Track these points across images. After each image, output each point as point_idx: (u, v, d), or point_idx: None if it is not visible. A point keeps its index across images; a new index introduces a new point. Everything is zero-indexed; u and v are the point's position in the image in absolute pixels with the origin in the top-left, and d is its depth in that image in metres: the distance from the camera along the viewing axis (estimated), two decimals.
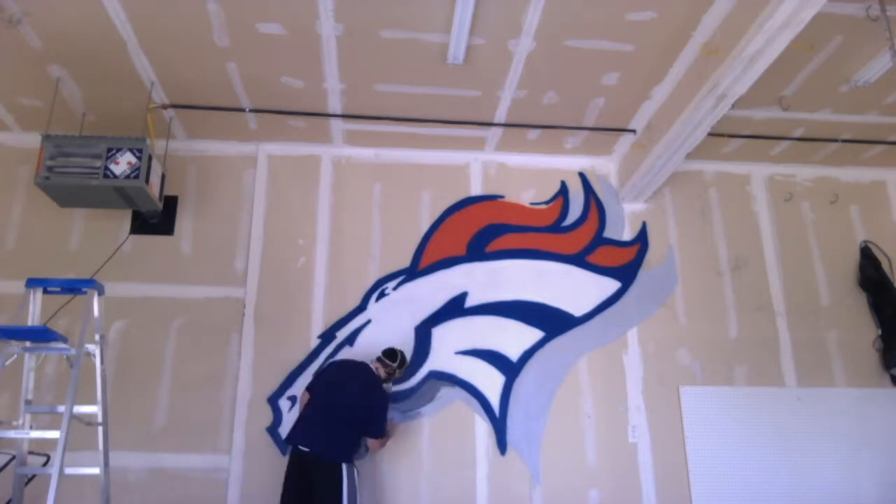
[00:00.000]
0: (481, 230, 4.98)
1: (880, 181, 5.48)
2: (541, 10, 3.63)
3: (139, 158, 4.10)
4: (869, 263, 5.13)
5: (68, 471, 3.09)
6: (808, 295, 5.07)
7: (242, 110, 4.56)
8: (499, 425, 4.54)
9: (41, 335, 3.29)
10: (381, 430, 4.06)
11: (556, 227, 5.05)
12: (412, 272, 4.83)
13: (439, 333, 4.68)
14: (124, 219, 4.77)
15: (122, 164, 4.09)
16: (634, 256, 5.03)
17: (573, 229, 5.06)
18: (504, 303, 4.81)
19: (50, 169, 4.05)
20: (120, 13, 3.65)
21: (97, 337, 3.43)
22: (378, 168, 5.08)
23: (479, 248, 4.93)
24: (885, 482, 4.62)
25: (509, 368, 4.66)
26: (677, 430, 4.63)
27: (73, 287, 3.57)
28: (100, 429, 3.38)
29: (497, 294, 4.82)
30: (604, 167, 5.26)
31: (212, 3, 3.58)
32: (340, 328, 4.65)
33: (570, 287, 4.89)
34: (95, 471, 3.33)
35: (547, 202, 5.13)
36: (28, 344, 3.38)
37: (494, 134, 4.91)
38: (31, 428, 3.38)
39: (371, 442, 4.06)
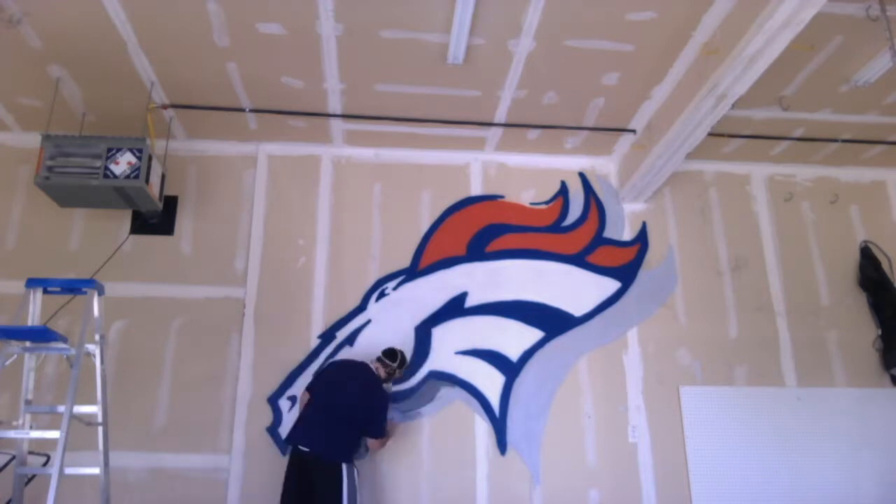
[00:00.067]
0: (481, 230, 4.98)
1: (880, 181, 5.48)
2: (541, 10, 3.63)
3: (139, 158, 4.10)
4: (869, 263, 5.13)
5: (68, 471, 3.09)
6: (808, 295, 5.08)
7: (242, 110, 4.56)
8: (499, 425, 4.54)
9: (41, 335, 3.29)
10: (381, 430, 4.06)
11: (556, 227, 5.05)
12: (412, 272, 4.84)
13: (439, 333, 4.68)
14: (124, 219, 4.77)
15: (122, 164, 4.09)
16: (634, 256, 5.03)
17: (573, 229, 5.06)
18: (504, 303, 4.81)
19: (50, 169, 4.05)
20: (120, 13, 3.65)
21: (97, 337, 3.43)
22: (378, 168, 5.08)
23: (479, 248, 4.93)
24: (885, 482, 4.62)
25: (509, 368, 4.66)
26: (677, 430, 4.63)
27: (73, 287, 3.57)
28: (100, 429, 3.38)
29: (497, 294, 4.82)
30: (604, 167, 5.26)
31: (212, 3, 3.58)
32: (340, 328, 4.65)
33: (570, 287, 4.89)
34: (95, 471, 3.33)
35: (547, 202, 5.13)
36: (28, 344, 3.38)
37: (494, 134, 4.91)
38: (31, 428, 3.38)
39: (371, 442, 4.07)
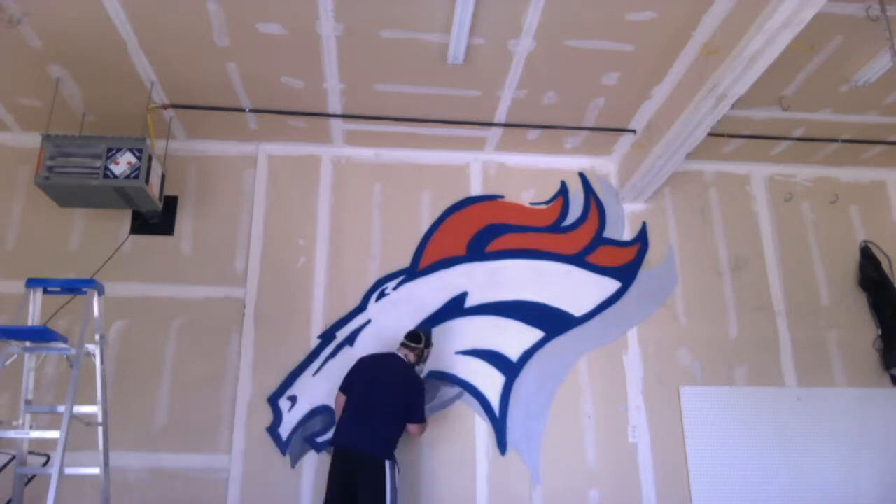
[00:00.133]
0: (481, 230, 4.98)
1: (880, 181, 5.48)
2: (541, 10, 3.63)
3: (139, 158, 4.10)
4: (869, 263, 5.13)
5: (68, 471, 3.09)
6: (808, 295, 5.08)
7: (242, 110, 4.56)
8: (499, 425, 4.54)
9: (41, 335, 3.29)
10: (422, 415, 4.03)
11: (556, 227, 5.05)
12: (412, 272, 4.84)
13: (439, 333, 4.67)
14: (124, 219, 4.77)
15: (122, 164, 4.09)
16: (634, 256, 5.03)
17: (573, 229, 5.06)
18: (504, 303, 4.81)
19: (50, 169, 4.05)
20: (120, 13, 3.65)
21: (97, 337, 3.42)
22: (378, 168, 5.08)
23: (479, 248, 4.94)
24: (885, 482, 4.62)
25: (509, 368, 4.66)
26: (677, 430, 4.63)
27: (73, 287, 3.57)
28: (100, 429, 3.38)
29: (497, 294, 4.82)
30: (604, 167, 5.26)
31: (212, 3, 3.58)
32: (340, 328, 4.65)
33: (570, 287, 4.89)
34: (95, 471, 3.33)
35: (547, 202, 5.13)
36: (28, 344, 3.38)
37: (494, 134, 4.91)
38: (31, 428, 3.38)
39: (412, 428, 4.00)
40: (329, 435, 4.31)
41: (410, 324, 4.62)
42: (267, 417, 4.42)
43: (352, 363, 4.22)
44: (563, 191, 5.17)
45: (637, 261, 5.02)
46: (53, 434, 3.06)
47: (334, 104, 4.53)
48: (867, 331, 5.02)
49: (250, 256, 4.75)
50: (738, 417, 4.67)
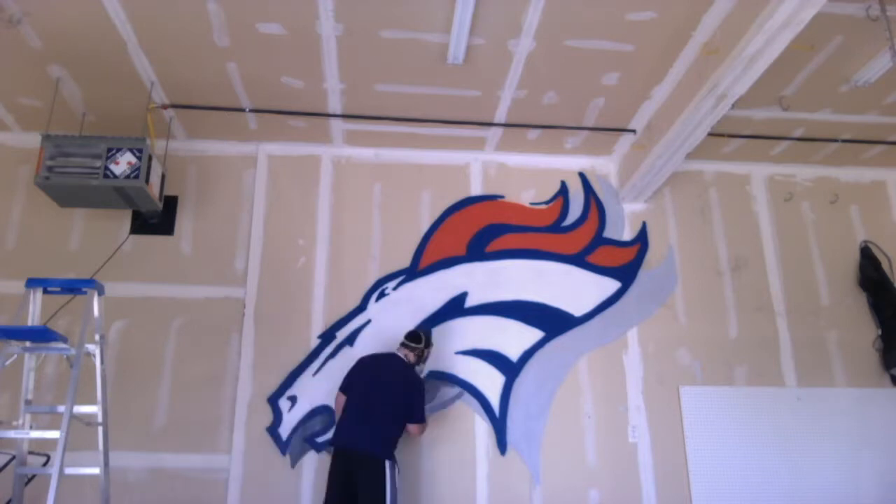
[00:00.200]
0: (481, 230, 4.98)
1: (880, 181, 5.48)
2: (541, 10, 3.63)
3: (139, 158, 4.10)
4: (869, 263, 5.13)
5: (68, 471, 3.09)
6: (808, 295, 5.08)
7: (242, 110, 4.56)
8: (499, 425, 4.54)
9: (41, 335, 3.29)
10: (422, 415, 4.03)
11: (556, 227, 5.05)
12: (412, 272, 4.84)
13: (439, 333, 4.67)
14: (124, 219, 4.77)
15: (122, 164, 4.09)
16: (634, 256, 5.03)
17: (573, 229, 5.06)
18: (504, 303, 4.81)
19: (50, 169, 4.05)
20: (120, 13, 3.65)
21: (97, 337, 3.42)
22: (378, 168, 5.08)
23: (479, 248, 4.94)
24: (885, 482, 4.62)
25: (509, 368, 4.66)
26: (677, 430, 4.63)
27: (73, 287, 3.57)
28: (100, 429, 3.38)
29: (497, 294, 4.82)
30: (604, 167, 5.26)
31: (212, 3, 3.58)
32: (340, 328, 4.65)
33: (570, 287, 4.89)
34: (95, 471, 3.33)
35: (547, 202, 5.13)
36: (28, 344, 3.38)
37: (494, 134, 4.91)
38: (31, 428, 3.38)
39: (412, 428, 4.00)
40: (329, 435, 4.31)
41: (410, 324, 4.62)
42: (267, 417, 4.42)
43: (352, 363, 4.21)
44: (563, 191, 5.17)
45: (637, 261, 5.02)
46: (53, 434, 3.06)
47: (334, 104, 4.53)
48: (867, 331, 5.02)
49: (250, 256, 4.75)
50: (738, 417, 4.67)
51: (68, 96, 4.35)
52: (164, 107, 4.48)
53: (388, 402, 3.95)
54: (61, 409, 3.16)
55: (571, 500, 4.45)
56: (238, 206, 4.88)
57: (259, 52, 3.97)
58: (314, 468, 4.33)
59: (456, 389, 4.59)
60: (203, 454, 4.32)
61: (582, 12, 3.65)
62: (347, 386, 4.10)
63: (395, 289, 4.78)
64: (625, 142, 4.99)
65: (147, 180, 4.12)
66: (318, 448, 4.36)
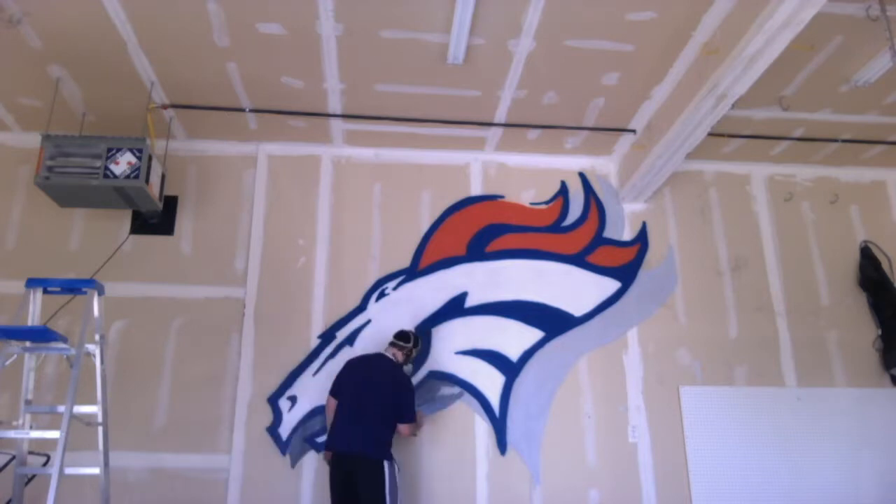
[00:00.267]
0: (481, 230, 4.98)
1: (880, 181, 5.48)
2: (541, 10, 3.63)
3: (139, 158, 4.10)
4: (869, 263, 5.13)
5: (68, 471, 3.09)
6: (808, 295, 5.08)
7: (242, 110, 4.56)
8: (499, 425, 4.54)
9: (41, 335, 3.28)
10: (413, 414, 4.03)
11: (556, 227, 5.05)
12: (412, 272, 4.84)
13: (439, 333, 4.67)
14: (124, 219, 4.77)
15: (122, 164, 4.09)
16: (634, 256, 5.03)
17: (573, 229, 5.06)
18: (504, 303, 4.81)
19: (50, 169, 4.05)
20: (120, 13, 3.65)
21: (97, 337, 3.42)
22: (378, 168, 5.08)
23: (479, 248, 4.94)
24: (885, 482, 4.62)
25: (509, 368, 4.66)
26: (677, 430, 4.63)
27: (73, 287, 3.56)
28: (100, 429, 3.38)
29: (497, 294, 4.83)
30: (604, 167, 5.26)
31: (212, 3, 3.58)
32: (340, 328, 4.65)
33: (570, 287, 4.89)
34: (95, 471, 3.33)
35: (547, 202, 5.13)
36: (28, 344, 3.38)
37: (494, 134, 4.91)
38: (31, 428, 3.38)
39: (402, 428, 3.98)
40: None
41: (410, 324, 4.62)
42: (267, 417, 4.42)
43: None
44: (563, 191, 5.17)
45: (637, 261, 5.02)
46: (53, 434, 3.06)
47: (334, 104, 4.53)
48: (867, 331, 5.02)
49: (250, 256, 4.75)
50: (738, 417, 4.67)
51: (68, 96, 4.35)
52: (164, 107, 4.48)
53: (377, 402, 3.95)
54: (61, 409, 3.16)
55: (571, 500, 4.45)
56: (238, 206, 4.88)
57: (259, 52, 3.97)
58: (314, 468, 4.33)
59: (456, 389, 4.59)
60: (203, 454, 4.32)
61: (582, 12, 3.65)
62: (338, 389, 4.10)
63: (395, 289, 4.78)
64: (625, 142, 4.99)
65: (147, 180, 4.12)
66: (319, 448, 4.36)
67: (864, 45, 3.94)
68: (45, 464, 3.66)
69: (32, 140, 4.51)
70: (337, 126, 4.81)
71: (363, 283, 4.78)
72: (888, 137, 5.02)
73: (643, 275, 4.98)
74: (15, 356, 3.35)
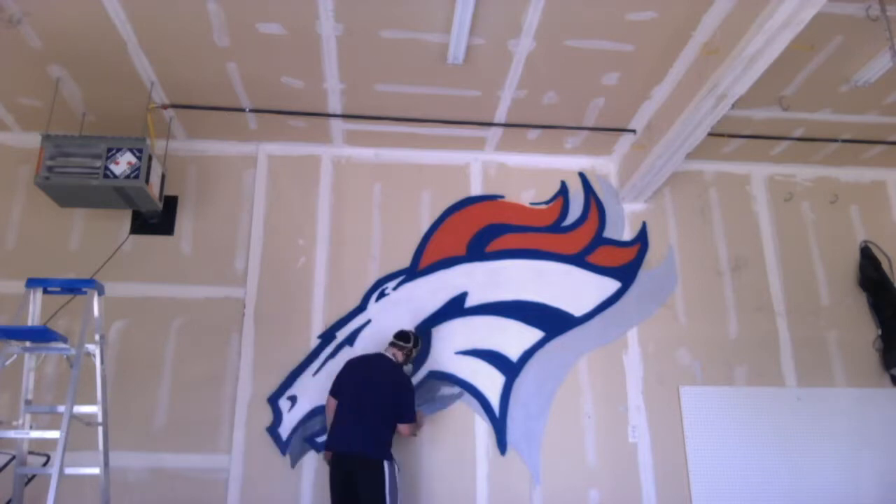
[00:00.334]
0: (481, 230, 4.98)
1: (880, 181, 5.48)
2: (541, 10, 3.63)
3: (139, 158, 4.10)
4: (869, 263, 5.14)
5: (68, 471, 3.09)
6: (808, 295, 5.08)
7: (242, 110, 4.56)
8: (499, 425, 4.54)
9: (41, 335, 3.28)
10: (413, 414, 4.02)
11: (556, 227, 5.05)
12: (412, 272, 4.84)
13: (439, 333, 4.68)
14: (124, 219, 4.77)
15: (122, 164, 4.09)
16: (634, 256, 5.03)
17: (573, 229, 5.06)
18: (504, 303, 4.81)
19: (50, 169, 4.05)
20: (120, 13, 3.65)
21: (97, 337, 3.42)
22: (378, 168, 5.08)
23: (479, 248, 4.94)
24: (885, 482, 4.62)
25: (509, 368, 4.66)
26: (677, 430, 4.63)
27: (73, 287, 3.56)
28: (100, 429, 3.38)
29: (497, 294, 4.83)
30: (604, 167, 5.26)
31: (212, 3, 3.58)
32: (340, 328, 4.65)
33: (570, 287, 4.89)
34: (95, 471, 3.33)
35: (547, 202, 5.13)
36: (28, 344, 3.38)
37: (494, 134, 4.91)
38: (31, 428, 3.38)
39: (402, 428, 3.98)
40: None
41: (410, 324, 4.62)
42: (267, 417, 4.42)
43: None
44: (563, 191, 5.17)
45: (637, 261, 5.02)
46: (53, 434, 3.06)
47: (334, 104, 4.53)
48: (867, 331, 5.02)
49: (250, 256, 4.75)
50: (738, 417, 4.67)
51: (68, 96, 4.35)
52: (164, 107, 4.48)
53: (377, 402, 3.95)
54: (61, 409, 3.16)
55: (571, 500, 4.45)
56: (238, 206, 4.88)
57: (259, 52, 3.97)
58: (314, 468, 4.34)
59: (456, 389, 4.59)
60: (203, 454, 4.32)
61: (582, 12, 3.65)
62: (338, 389, 4.10)
63: (395, 289, 4.78)
64: (625, 142, 4.99)
65: (147, 180, 4.12)
66: (319, 448, 4.36)
67: (864, 45, 3.94)
68: (45, 464, 3.66)
69: (32, 140, 4.51)
70: (337, 126, 4.81)
71: (363, 283, 4.78)
72: (888, 137, 5.02)
73: (643, 275, 4.98)
74: (15, 356, 3.35)
